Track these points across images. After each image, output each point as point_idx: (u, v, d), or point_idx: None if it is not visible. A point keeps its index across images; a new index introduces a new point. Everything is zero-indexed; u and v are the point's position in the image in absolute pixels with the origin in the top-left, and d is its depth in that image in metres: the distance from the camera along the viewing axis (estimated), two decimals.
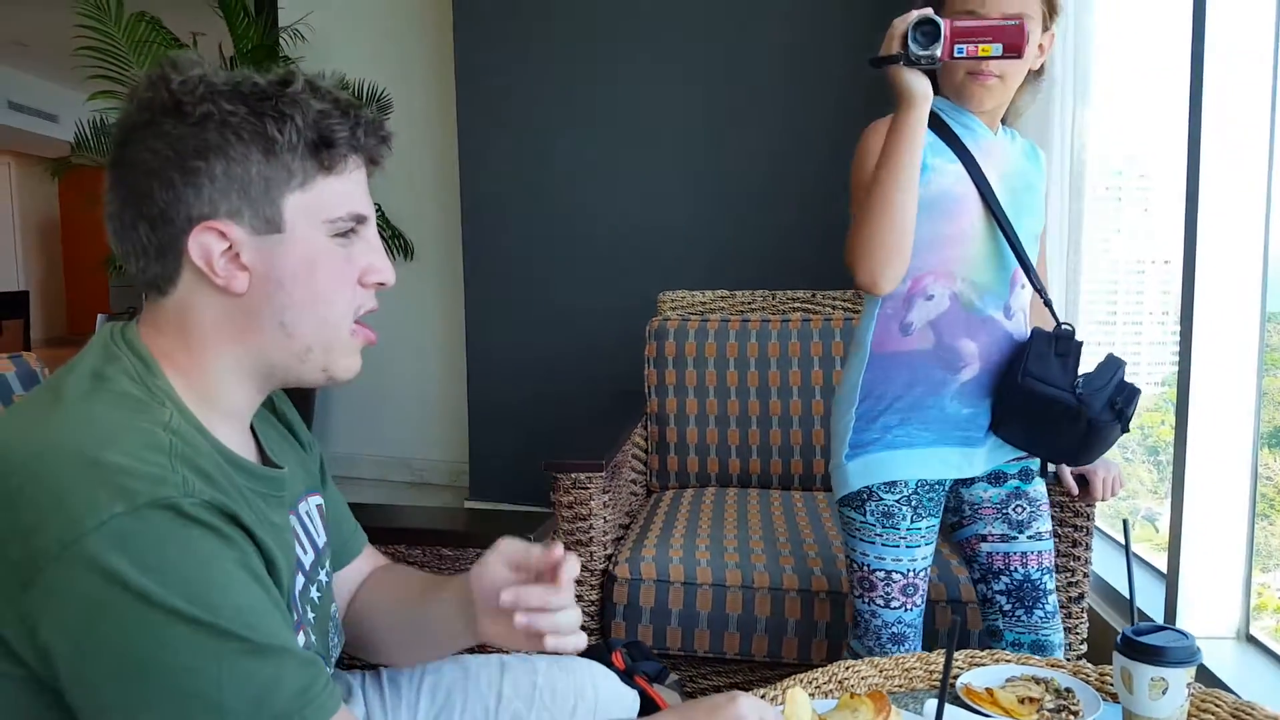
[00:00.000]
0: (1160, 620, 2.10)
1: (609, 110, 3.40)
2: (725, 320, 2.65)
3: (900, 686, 1.37)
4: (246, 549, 0.78)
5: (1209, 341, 1.95)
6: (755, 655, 1.91)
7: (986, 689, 1.31)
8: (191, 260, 0.82)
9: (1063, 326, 1.45)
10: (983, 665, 1.40)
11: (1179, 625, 2.10)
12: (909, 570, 1.52)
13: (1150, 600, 2.15)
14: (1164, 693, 1.18)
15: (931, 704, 1.24)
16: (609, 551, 2.04)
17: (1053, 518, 1.84)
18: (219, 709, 0.72)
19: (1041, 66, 1.46)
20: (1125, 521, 1.36)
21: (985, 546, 1.59)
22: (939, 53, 1.27)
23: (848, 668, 1.40)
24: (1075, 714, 1.27)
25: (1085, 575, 1.83)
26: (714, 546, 2.07)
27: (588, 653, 1.54)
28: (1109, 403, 1.42)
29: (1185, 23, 1.92)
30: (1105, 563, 2.35)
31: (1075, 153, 2.16)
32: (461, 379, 3.81)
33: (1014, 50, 1.28)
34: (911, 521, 1.51)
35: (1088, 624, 1.86)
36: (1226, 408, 1.96)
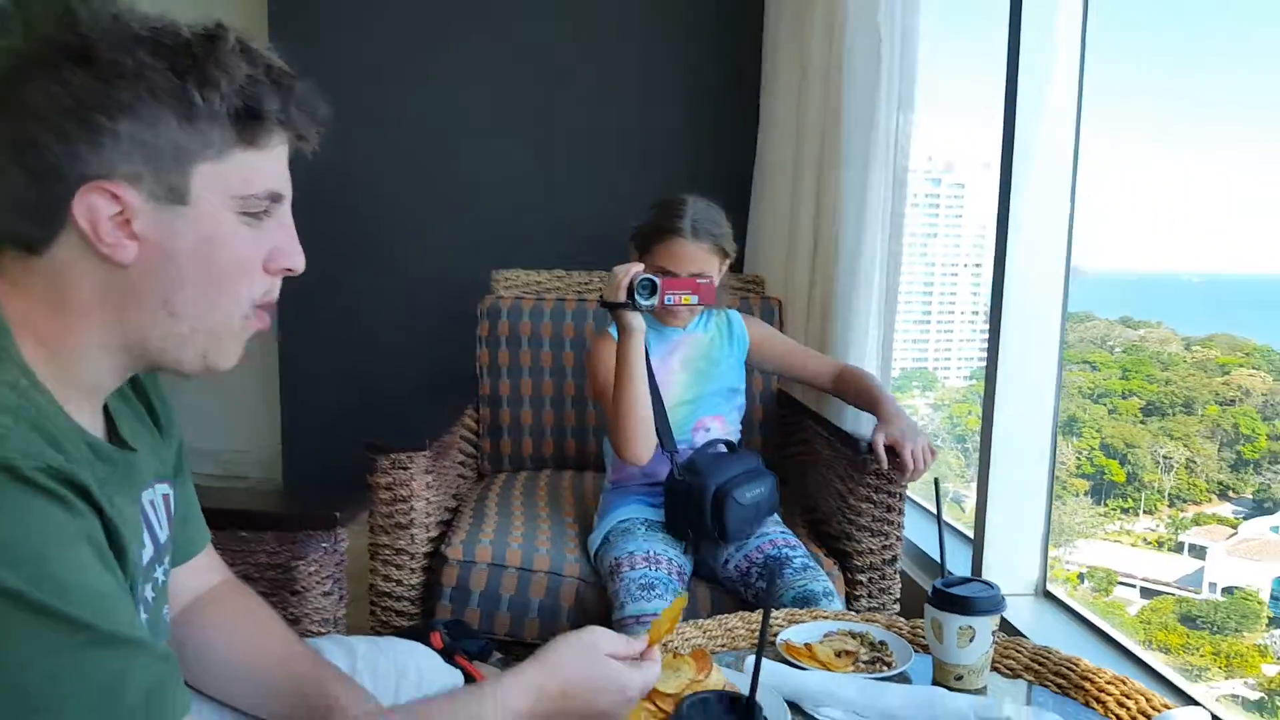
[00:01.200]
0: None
1: (445, 80, 3.32)
2: (561, 300, 2.64)
3: (723, 645, 1.40)
4: (95, 526, 0.70)
5: (1015, 338, 2.16)
6: None
7: (806, 644, 1.36)
8: (75, 222, 0.74)
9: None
10: (802, 623, 1.45)
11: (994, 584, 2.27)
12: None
13: (959, 563, 2.30)
14: (971, 641, 1.26)
15: (751, 660, 1.28)
16: (431, 534, 1.99)
17: (868, 484, 1.93)
18: (55, 709, 0.64)
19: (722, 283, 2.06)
20: (937, 481, 1.44)
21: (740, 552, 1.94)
22: (655, 303, 1.82)
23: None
24: (888, 664, 1.33)
25: (899, 539, 1.94)
26: (554, 533, 2.06)
27: (406, 633, 1.50)
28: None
29: (1001, 49, 2.13)
30: (916, 529, 2.50)
31: (898, 160, 2.28)
32: (273, 361, 3.63)
33: (707, 301, 1.93)
34: None
35: (900, 585, 1.96)
36: (1030, 392, 2.17)
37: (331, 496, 1.58)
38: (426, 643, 1.51)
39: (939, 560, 1.33)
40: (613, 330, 2.05)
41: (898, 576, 1.96)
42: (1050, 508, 2.24)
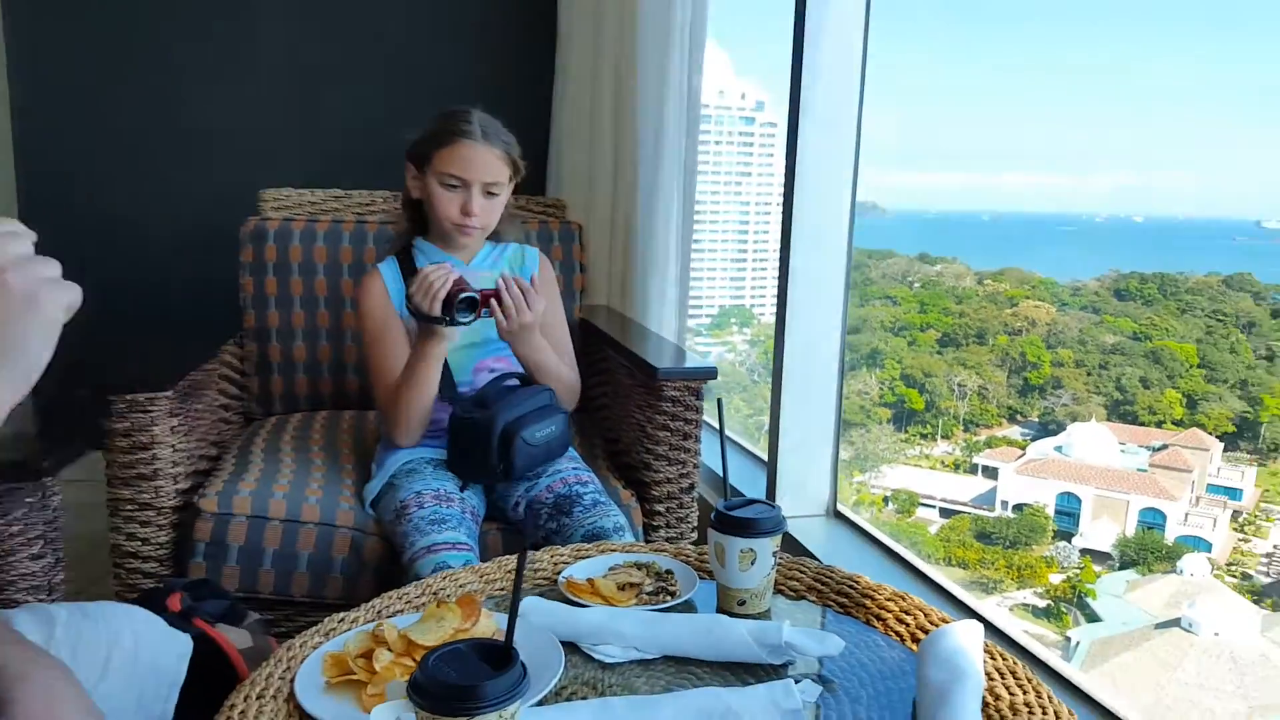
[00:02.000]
0: None
1: None
2: (338, 222, 2.43)
3: (503, 589, 1.30)
4: None
5: (803, 271, 2.18)
6: (360, 601, 1.78)
7: (588, 580, 1.28)
8: None
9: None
10: (589, 558, 1.37)
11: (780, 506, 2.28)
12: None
13: (754, 486, 2.29)
14: (753, 564, 1.20)
15: (531, 600, 1.18)
16: (181, 485, 1.79)
17: (665, 411, 1.87)
18: None
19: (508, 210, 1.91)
20: (720, 401, 1.37)
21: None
22: (473, 319, 1.68)
23: (446, 577, 1.31)
24: (672, 594, 1.26)
25: (695, 467, 1.89)
26: (329, 480, 1.89)
27: (143, 597, 1.32)
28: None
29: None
30: (716, 457, 2.50)
31: (690, 84, 2.27)
32: None
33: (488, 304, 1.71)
34: None
35: (698, 513, 1.92)
36: (818, 323, 2.19)
37: (48, 444, 1.36)
38: (161, 607, 1.34)
39: (723, 476, 1.28)
40: (383, 268, 1.89)
41: (695, 505, 1.92)
42: (839, 432, 2.27)
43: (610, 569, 1.33)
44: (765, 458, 2.38)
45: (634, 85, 2.36)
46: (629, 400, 2.03)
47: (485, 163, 1.81)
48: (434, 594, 1.23)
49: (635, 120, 2.37)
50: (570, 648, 1.10)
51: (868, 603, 1.24)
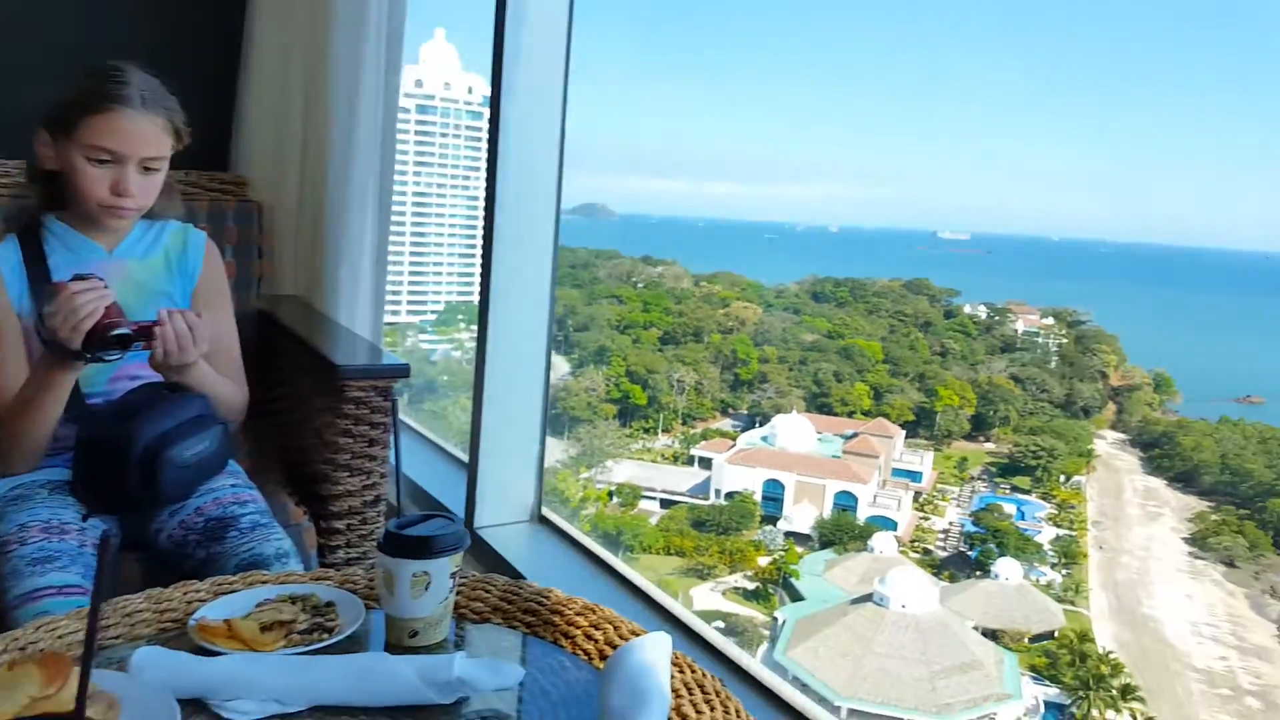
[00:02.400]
0: (461, 512, 2.11)
1: None
2: None
3: (119, 638, 1.08)
4: None
5: (506, 269, 2.12)
6: None
7: (225, 621, 1.08)
8: None
9: None
10: (232, 593, 1.17)
11: (480, 514, 2.15)
12: None
13: (455, 494, 2.16)
14: (427, 589, 1.07)
15: (147, 650, 0.97)
16: None
17: (347, 415, 1.69)
18: None
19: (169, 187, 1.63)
20: (394, 401, 1.22)
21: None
22: (120, 356, 1.42)
23: (44, 627, 1.06)
24: (331, 630, 1.09)
25: (383, 476, 1.72)
26: None
27: None
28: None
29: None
30: (429, 468, 2.36)
31: (389, 65, 2.12)
32: None
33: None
34: None
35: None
36: (521, 321, 2.13)
37: None
38: None
39: (395, 489, 1.13)
40: None
41: (380, 519, 1.75)
42: (544, 432, 2.19)
43: (257, 605, 1.14)
44: (458, 456, 2.26)
45: (325, 68, 2.16)
46: (309, 404, 1.83)
47: (144, 134, 1.53)
48: (20, 649, 0.99)
49: (328, 102, 2.18)
50: (195, 707, 0.91)
51: (556, 619, 1.14)
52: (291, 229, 2.32)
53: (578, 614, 1.13)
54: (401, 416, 1.73)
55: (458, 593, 1.12)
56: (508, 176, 2.06)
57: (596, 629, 1.10)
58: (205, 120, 1.65)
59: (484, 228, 2.11)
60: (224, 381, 1.60)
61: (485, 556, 2.05)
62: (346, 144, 2.14)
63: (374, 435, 1.71)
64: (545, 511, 2.23)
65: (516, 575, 1.91)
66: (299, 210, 2.31)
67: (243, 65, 2.61)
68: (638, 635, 1.05)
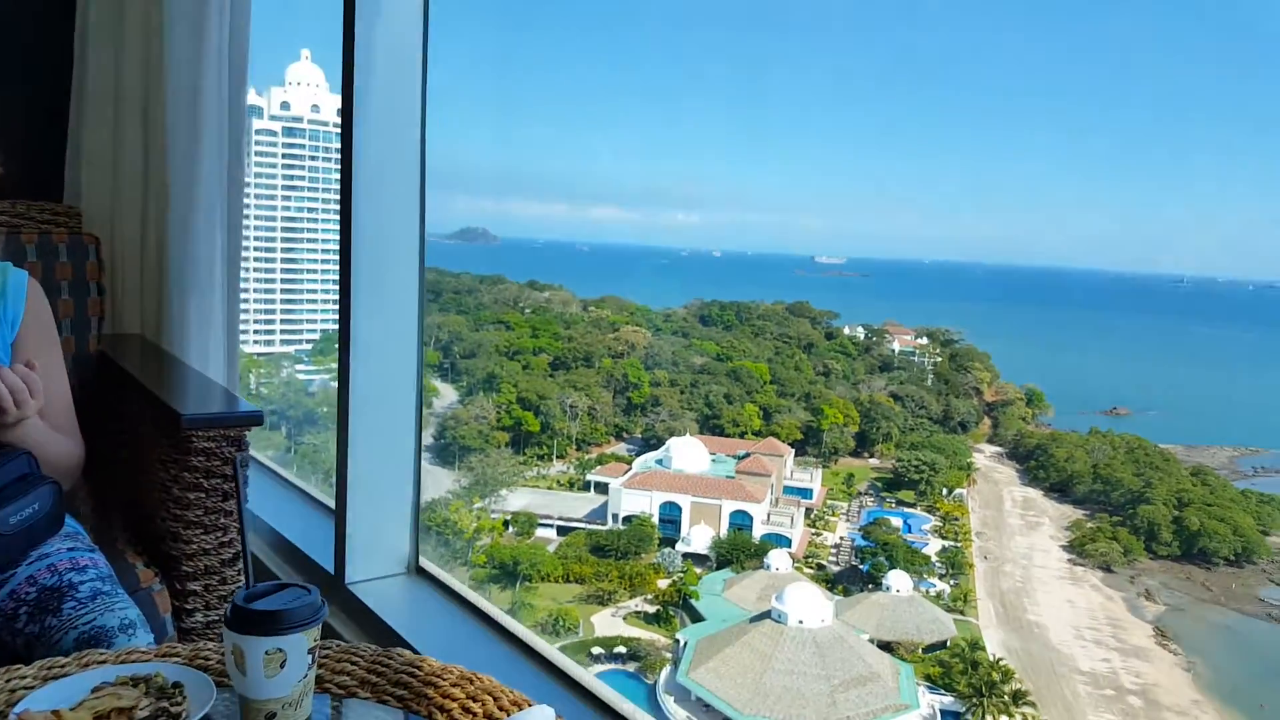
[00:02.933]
0: (331, 565, 1.95)
1: None
2: None
3: None
4: None
5: (367, 307, 1.97)
6: None
7: (53, 712, 0.93)
8: None
9: None
10: (65, 675, 1.01)
11: (351, 568, 2.00)
12: None
13: (323, 547, 2.01)
14: (282, 666, 0.93)
15: None
16: None
17: (195, 467, 1.53)
18: None
19: None
20: (238, 457, 1.09)
21: None
22: None
23: None
24: (176, 717, 0.95)
25: (240, 533, 1.56)
26: None
27: None
28: None
29: None
30: (297, 520, 2.19)
31: (233, 94, 1.97)
32: None
33: None
34: None
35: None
36: (388, 359, 1.99)
37: None
38: None
39: (243, 556, 1.00)
40: None
41: (241, 580, 1.59)
42: (419, 477, 2.05)
43: (93, 691, 0.99)
44: (325, 504, 2.10)
45: (163, 96, 2.00)
46: (154, 455, 1.66)
47: None
48: None
49: (165, 130, 2.02)
50: None
51: (431, 691, 1.02)
52: (134, 263, 2.13)
53: (454, 685, 1.02)
54: (266, 458, 1.58)
55: (320, 665, 1.00)
56: (362, 203, 1.93)
57: (475, 700, 0.99)
58: (34, 148, 1.49)
59: (340, 257, 1.98)
60: (54, 436, 1.43)
61: (358, 615, 1.90)
62: (189, 172, 1.98)
63: (227, 488, 1.56)
64: (424, 562, 2.09)
65: (392, 635, 1.76)
66: (141, 243, 2.13)
67: (75, 92, 2.42)
68: (520, 707, 0.95)
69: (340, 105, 1.95)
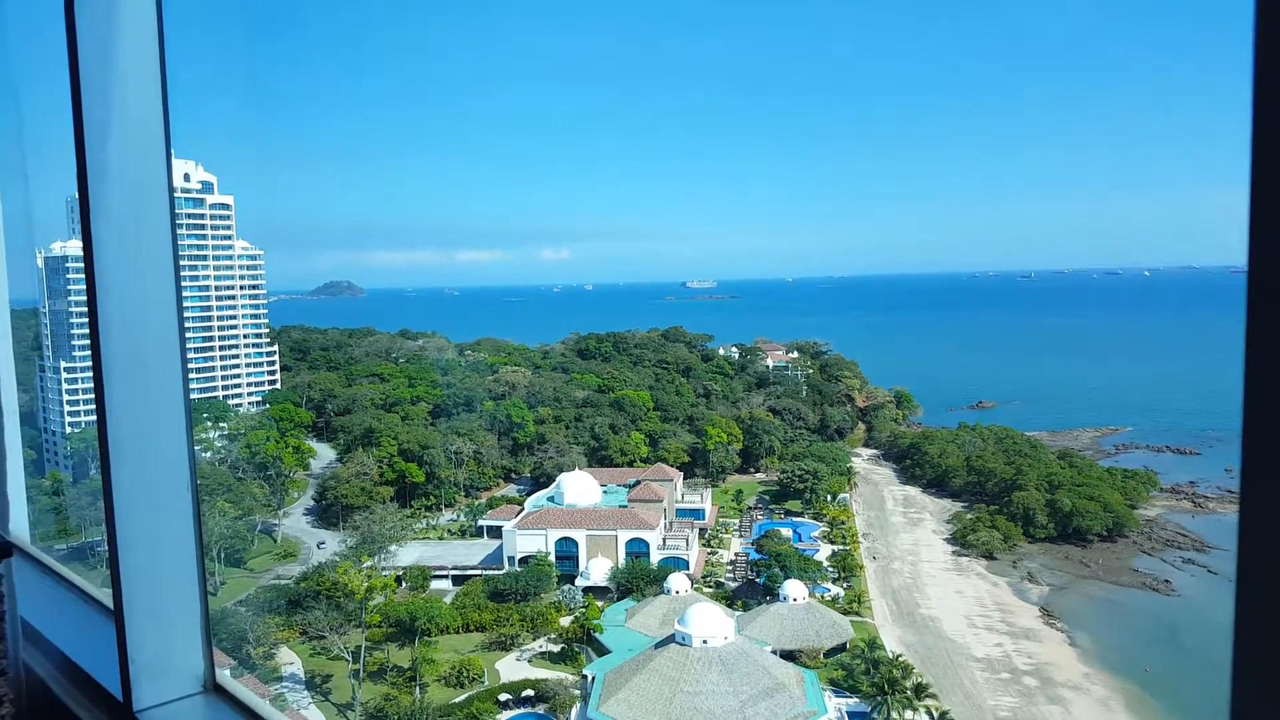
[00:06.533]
0: (116, 686, 1.73)
1: None
2: None
3: None
4: None
5: (125, 395, 1.75)
6: None
7: None
8: None
9: None
10: None
11: (140, 690, 1.74)
12: None
13: (108, 663, 1.79)
14: None
15: None
16: None
17: None
18: None
19: None
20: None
21: None
22: None
23: None
24: None
25: (9, 661, 1.49)
26: None
27: None
28: None
29: None
30: (64, 629, 1.91)
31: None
32: None
33: None
34: None
35: None
36: (156, 453, 1.73)
37: None
38: None
39: None
40: None
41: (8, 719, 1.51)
42: (204, 579, 1.89)
43: None
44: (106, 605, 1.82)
45: None
46: None
47: None
48: None
49: None
50: None
51: None
52: None
53: None
54: (50, 558, 1.49)
55: None
56: (110, 304, 1.84)
57: None
58: None
59: (91, 353, 1.89)
60: None
61: None
62: None
63: None
64: (222, 677, 1.88)
65: None
66: None
67: None
68: None
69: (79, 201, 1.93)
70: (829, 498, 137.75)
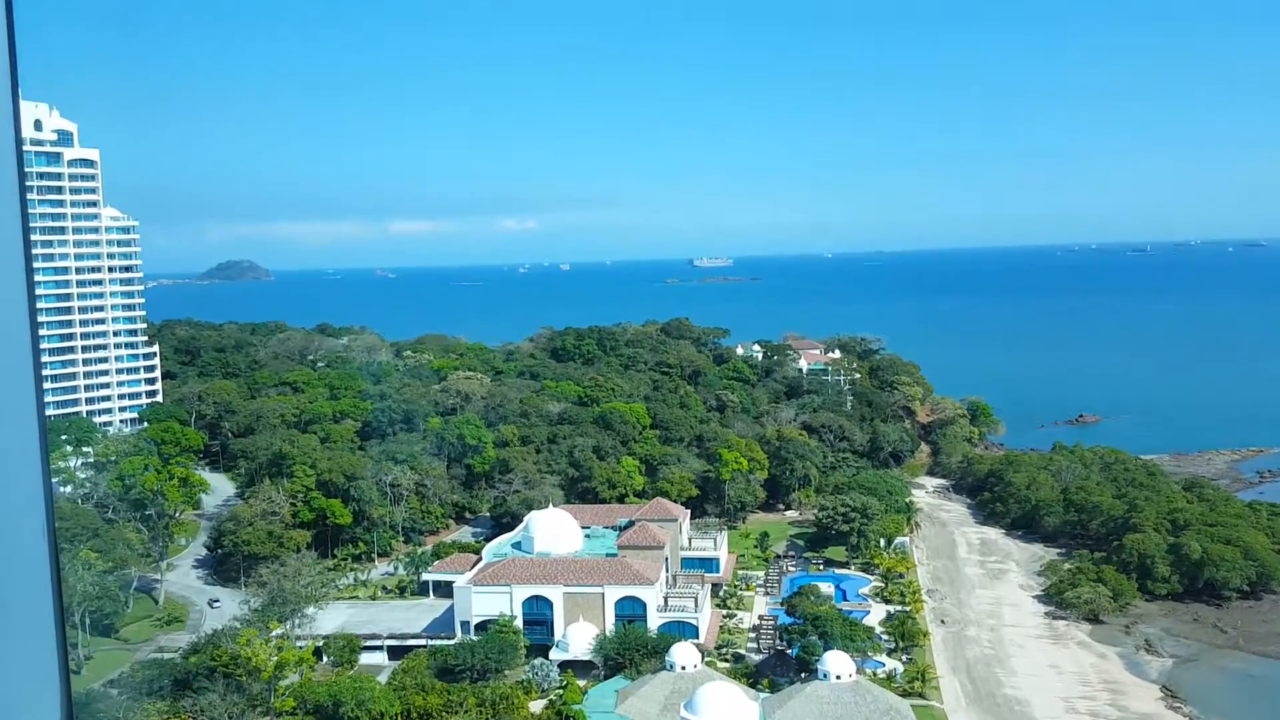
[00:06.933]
0: None
1: None
2: None
3: None
4: None
5: None
6: None
7: None
8: None
9: None
10: None
11: None
12: None
13: None
14: None
15: None
16: None
17: None
18: None
19: None
20: None
21: None
22: None
23: None
24: None
25: None
26: None
27: None
28: None
29: None
30: None
31: None
32: None
33: None
34: None
35: None
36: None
37: None
38: None
39: None
40: None
41: None
42: (65, 652, 1.92)
43: None
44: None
45: None
46: None
47: None
48: None
49: None
50: None
51: None
52: None
53: None
54: None
55: None
56: None
57: None
58: None
59: None
60: None
61: None
62: None
63: None
64: None
65: None
66: None
67: None
68: None
69: None
70: (882, 543, 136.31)
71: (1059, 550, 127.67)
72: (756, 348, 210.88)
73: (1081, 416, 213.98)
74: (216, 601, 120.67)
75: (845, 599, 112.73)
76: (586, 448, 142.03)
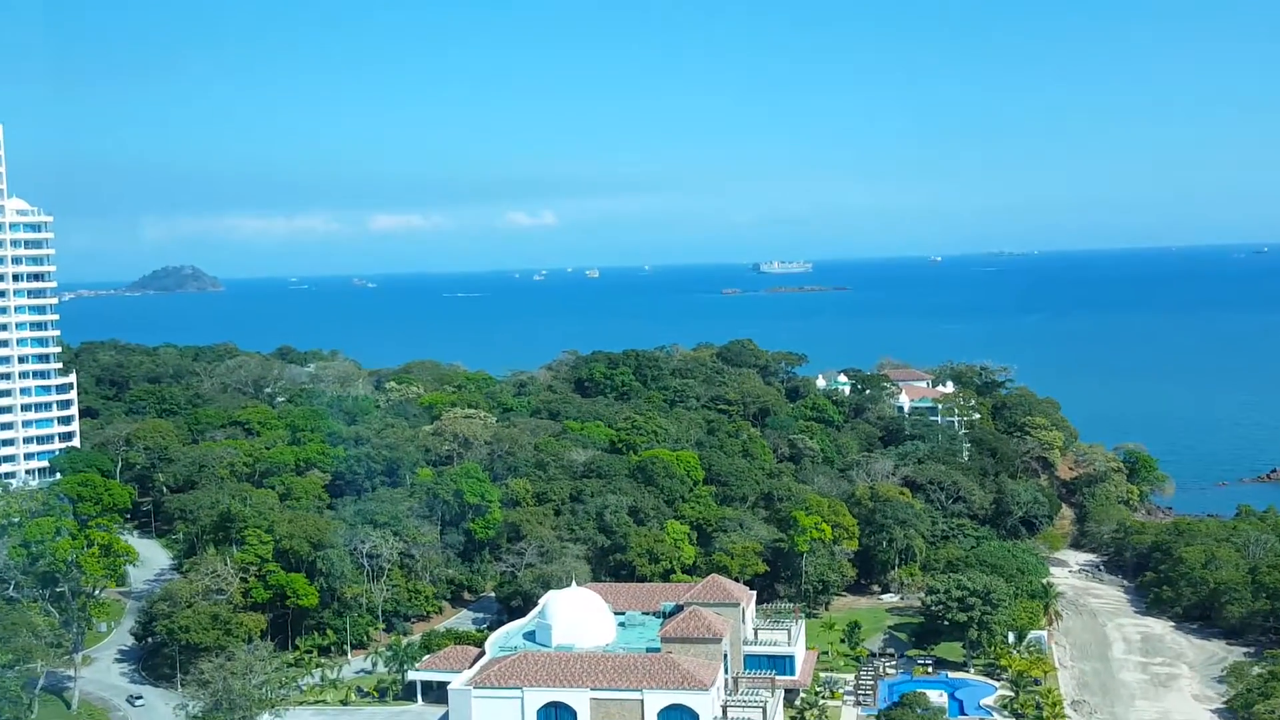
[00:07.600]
0: None
1: None
2: None
3: None
4: None
5: None
6: None
7: None
8: None
9: None
10: None
11: None
12: None
13: None
14: None
15: None
16: None
17: None
18: None
19: None
20: None
21: None
22: None
23: None
24: None
25: None
26: None
27: None
28: None
29: None
30: None
31: None
32: None
33: None
34: None
35: None
36: None
37: None
38: None
39: None
40: None
41: None
42: None
43: None
44: None
45: None
46: None
47: None
48: None
49: None
50: None
51: None
52: None
53: None
54: None
55: None
56: None
57: None
58: None
59: None
60: None
61: None
62: None
63: None
64: None
65: None
66: None
67: None
68: None
69: None
70: (1011, 638, 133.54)
71: (1246, 649, 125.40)
72: (842, 379, 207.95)
73: (1275, 472, 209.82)
74: (139, 699, 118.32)
75: (963, 712, 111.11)
76: (621, 508, 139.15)
